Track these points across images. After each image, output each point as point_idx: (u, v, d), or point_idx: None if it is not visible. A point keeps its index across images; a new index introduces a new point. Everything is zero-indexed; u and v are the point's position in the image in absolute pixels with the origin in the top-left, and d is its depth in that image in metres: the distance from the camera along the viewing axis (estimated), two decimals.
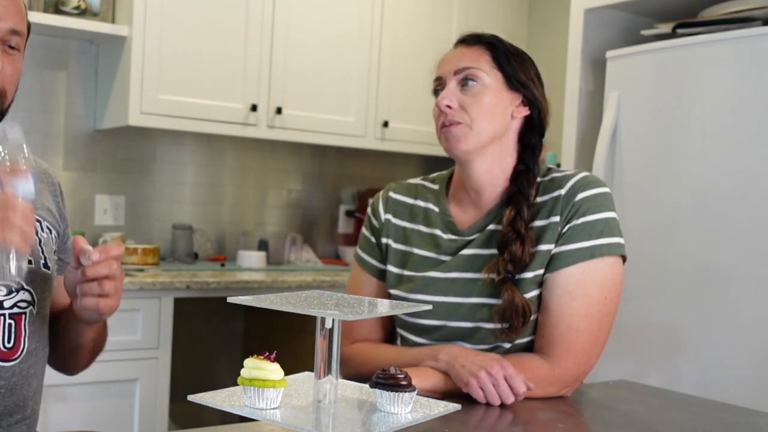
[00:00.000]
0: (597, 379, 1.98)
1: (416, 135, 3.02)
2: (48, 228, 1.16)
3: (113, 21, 2.40)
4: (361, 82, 2.89)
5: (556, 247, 1.21)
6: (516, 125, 1.27)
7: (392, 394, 0.79)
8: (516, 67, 1.27)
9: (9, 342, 1.07)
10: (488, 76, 1.25)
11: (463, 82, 1.25)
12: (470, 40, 1.30)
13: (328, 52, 2.76)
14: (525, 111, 1.26)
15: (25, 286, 1.06)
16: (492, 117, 1.25)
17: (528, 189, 1.22)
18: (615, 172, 2.21)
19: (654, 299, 2.09)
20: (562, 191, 1.22)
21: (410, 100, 2.97)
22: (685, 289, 2.02)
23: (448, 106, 1.23)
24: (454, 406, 0.82)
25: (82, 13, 2.31)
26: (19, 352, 1.08)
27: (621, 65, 2.21)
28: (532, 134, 1.28)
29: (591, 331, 1.20)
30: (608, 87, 2.23)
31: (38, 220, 1.14)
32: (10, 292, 1.05)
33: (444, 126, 1.25)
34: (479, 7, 3.14)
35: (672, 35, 2.09)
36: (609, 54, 2.24)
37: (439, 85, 1.29)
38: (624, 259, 1.24)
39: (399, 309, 0.81)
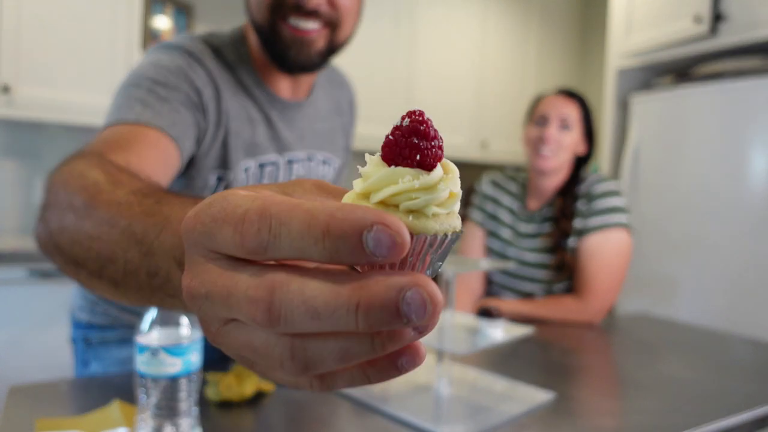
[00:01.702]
0: (623, 309, 2.40)
1: (508, 152, 3.46)
2: (328, 168, 1.05)
3: None
4: (469, 114, 3.28)
5: (581, 222, 1.39)
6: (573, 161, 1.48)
7: (489, 320, 0.87)
8: (591, 122, 1.46)
9: None
10: (576, 125, 1.43)
11: (561, 125, 1.42)
12: (569, 94, 1.46)
13: (442, 90, 3.18)
14: (585, 149, 1.48)
15: None
16: (570, 152, 1.45)
17: (573, 189, 1.45)
18: (638, 173, 2.51)
19: (662, 258, 2.38)
20: (585, 187, 1.44)
21: (501, 130, 3.42)
22: (681, 251, 2.32)
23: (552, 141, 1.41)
24: (530, 330, 0.90)
25: None
26: None
27: (639, 105, 2.54)
28: (582, 159, 1.50)
29: (605, 280, 1.34)
30: (631, 119, 2.57)
31: (324, 162, 1.03)
32: None
33: (540, 153, 1.42)
34: (549, 60, 3.59)
35: (671, 86, 2.46)
36: (632, 98, 2.60)
37: (542, 120, 1.43)
38: (630, 232, 1.36)
39: (493, 265, 0.86)
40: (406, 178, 0.24)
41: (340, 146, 1.10)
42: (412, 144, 0.24)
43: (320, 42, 0.86)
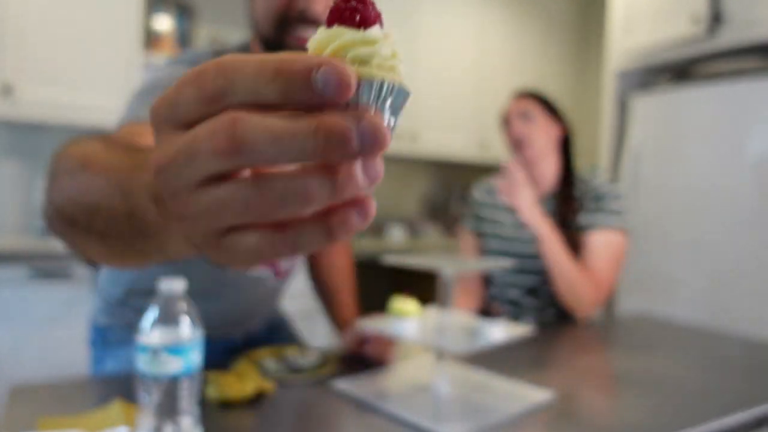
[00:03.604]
0: (623, 307, 2.44)
1: (507, 153, 3.23)
2: None
3: None
4: (469, 115, 3.35)
5: (587, 218, 1.47)
6: (556, 145, 1.56)
7: (488, 319, 0.90)
8: (552, 105, 1.57)
9: (287, 266, 1.11)
10: (537, 113, 1.54)
11: (522, 119, 1.54)
12: (522, 94, 1.59)
13: (442, 91, 3.21)
14: (561, 130, 1.55)
15: None
16: (545, 136, 1.55)
17: (568, 180, 1.53)
18: (637, 174, 2.58)
19: (661, 257, 2.45)
20: (587, 184, 1.54)
21: (496, 131, 3.39)
22: (680, 250, 2.38)
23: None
24: (529, 329, 0.93)
25: None
26: (288, 275, 1.14)
27: (639, 105, 2.62)
28: (566, 142, 1.58)
29: (602, 274, 1.44)
30: (631, 117, 2.64)
31: None
32: None
33: (517, 148, 1.54)
34: (548, 60, 3.66)
35: (670, 86, 2.53)
36: (631, 98, 2.67)
37: (506, 122, 1.56)
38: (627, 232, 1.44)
39: (490, 264, 0.88)
40: (348, 34, 0.26)
41: None
42: (351, 7, 0.26)
43: None
